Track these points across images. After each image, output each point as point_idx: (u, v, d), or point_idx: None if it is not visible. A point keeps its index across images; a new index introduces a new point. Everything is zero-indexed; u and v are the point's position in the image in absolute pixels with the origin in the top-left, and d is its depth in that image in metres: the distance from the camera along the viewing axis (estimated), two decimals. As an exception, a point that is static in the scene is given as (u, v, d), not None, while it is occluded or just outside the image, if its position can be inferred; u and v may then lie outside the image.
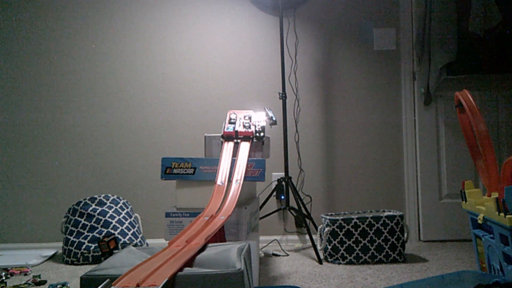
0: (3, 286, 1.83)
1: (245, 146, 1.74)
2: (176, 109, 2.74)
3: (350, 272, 1.96)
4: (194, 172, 1.61)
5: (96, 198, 2.40)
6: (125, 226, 2.36)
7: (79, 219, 2.33)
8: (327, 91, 2.75)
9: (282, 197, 2.57)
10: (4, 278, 1.96)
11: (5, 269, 2.08)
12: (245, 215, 1.56)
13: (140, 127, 2.71)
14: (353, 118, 2.73)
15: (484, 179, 1.67)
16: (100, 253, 2.20)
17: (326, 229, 2.18)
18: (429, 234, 2.64)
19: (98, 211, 2.35)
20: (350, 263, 2.13)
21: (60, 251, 2.49)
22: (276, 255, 2.35)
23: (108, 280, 0.90)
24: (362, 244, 2.13)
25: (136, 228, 2.45)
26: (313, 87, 2.75)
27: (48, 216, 2.68)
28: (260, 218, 2.46)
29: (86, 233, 2.29)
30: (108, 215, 2.34)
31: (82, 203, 2.36)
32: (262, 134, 1.80)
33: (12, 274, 2.03)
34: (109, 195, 2.45)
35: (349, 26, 2.76)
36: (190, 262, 1.04)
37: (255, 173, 1.64)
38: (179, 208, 1.60)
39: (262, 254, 2.37)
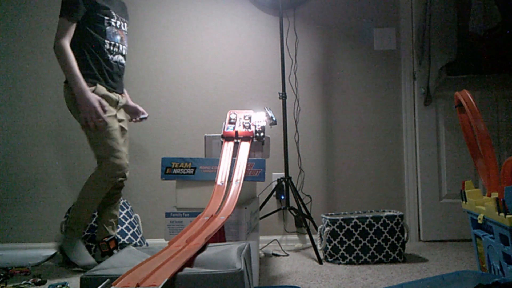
0: (3, 286, 1.83)
1: (245, 146, 1.74)
2: (176, 109, 2.74)
3: (350, 272, 1.96)
4: (194, 172, 1.61)
5: (96, 198, 2.40)
6: (124, 226, 2.36)
7: (79, 219, 2.32)
8: (327, 91, 2.75)
9: (282, 197, 2.56)
10: (4, 278, 1.96)
11: (5, 269, 2.08)
12: (245, 215, 1.56)
13: (140, 127, 2.71)
14: (353, 118, 2.73)
15: (484, 179, 1.67)
16: (100, 253, 2.19)
17: (326, 229, 2.18)
18: (429, 234, 2.64)
19: (98, 211, 2.35)
20: (350, 263, 2.13)
21: (60, 251, 2.49)
22: (276, 255, 2.35)
23: (108, 280, 0.90)
24: (362, 244, 2.13)
25: (136, 228, 2.45)
26: (313, 87, 2.75)
27: (48, 216, 2.68)
28: (260, 218, 2.46)
29: (86, 233, 2.28)
30: (108, 215, 2.33)
31: (82, 203, 2.35)
32: (262, 134, 1.80)
33: (12, 274, 2.03)
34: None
35: (349, 26, 2.76)
36: (190, 262, 1.04)
37: (255, 173, 1.64)
38: (179, 208, 1.60)
39: (262, 254, 2.37)
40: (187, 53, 2.76)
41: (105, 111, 2.00)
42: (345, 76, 2.75)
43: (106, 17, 2.07)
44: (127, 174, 2.16)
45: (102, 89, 2.06)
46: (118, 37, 2.13)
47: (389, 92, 2.74)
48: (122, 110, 2.25)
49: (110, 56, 2.09)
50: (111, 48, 2.09)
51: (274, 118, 1.93)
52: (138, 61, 2.74)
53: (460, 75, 2.63)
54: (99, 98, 1.99)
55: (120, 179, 2.14)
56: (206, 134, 1.85)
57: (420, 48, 2.62)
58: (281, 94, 2.45)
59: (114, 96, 2.13)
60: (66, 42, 1.97)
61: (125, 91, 2.29)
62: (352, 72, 2.75)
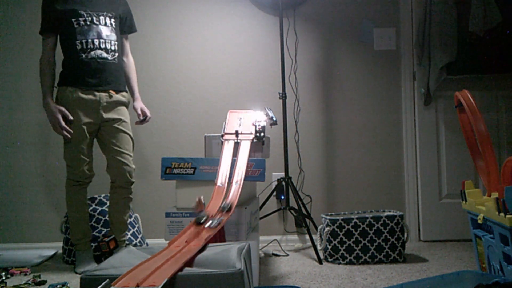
0: (3, 286, 1.83)
1: (245, 146, 1.74)
2: (176, 109, 2.74)
3: (350, 272, 1.96)
4: (194, 172, 1.62)
5: (96, 198, 2.40)
6: (125, 226, 2.35)
7: (79, 219, 2.32)
8: (327, 91, 2.75)
9: (282, 197, 2.57)
10: (4, 278, 1.96)
11: (5, 269, 2.08)
12: (245, 215, 1.56)
13: (140, 127, 2.70)
14: (353, 118, 2.73)
15: (484, 179, 1.67)
16: (100, 253, 2.19)
17: (326, 229, 2.18)
18: (429, 234, 2.64)
19: (98, 211, 2.35)
20: (350, 263, 2.13)
21: (60, 251, 2.49)
22: (276, 255, 2.35)
23: (108, 280, 0.90)
24: (362, 244, 2.13)
25: (136, 228, 2.45)
26: (313, 87, 2.75)
27: (48, 216, 2.68)
28: (260, 218, 2.46)
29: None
30: (108, 215, 2.33)
31: (82, 203, 2.35)
32: (262, 134, 1.80)
33: (12, 274, 2.03)
34: (109, 195, 2.44)
35: (349, 26, 2.76)
36: (190, 262, 1.04)
37: (255, 173, 1.65)
38: (179, 208, 1.60)
39: (262, 254, 2.37)
40: (187, 53, 2.75)
41: (69, 121, 2.08)
42: (345, 76, 2.75)
43: (73, 19, 2.08)
44: (132, 177, 2.16)
45: (71, 93, 2.09)
46: (93, 33, 2.10)
47: (389, 92, 2.74)
48: (120, 108, 2.18)
49: (84, 55, 2.08)
50: (84, 46, 2.08)
51: (274, 118, 1.93)
52: (138, 61, 2.73)
53: (460, 75, 2.62)
54: (61, 109, 2.07)
55: (127, 181, 2.14)
56: (206, 134, 1.85)
57: (420, 48, 2.61)
58: (281, 94, 2.45)
59: (92, 97, 2.09)
60: (42, 59, 2.14)
61: (129, 89, 2.29)
62: (352, 72, 2.75)
